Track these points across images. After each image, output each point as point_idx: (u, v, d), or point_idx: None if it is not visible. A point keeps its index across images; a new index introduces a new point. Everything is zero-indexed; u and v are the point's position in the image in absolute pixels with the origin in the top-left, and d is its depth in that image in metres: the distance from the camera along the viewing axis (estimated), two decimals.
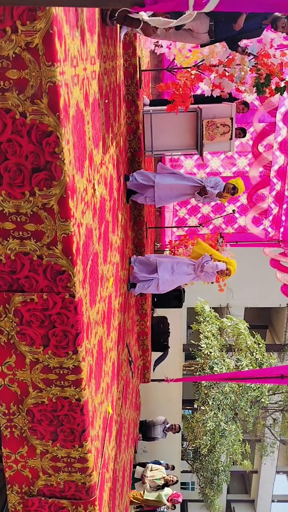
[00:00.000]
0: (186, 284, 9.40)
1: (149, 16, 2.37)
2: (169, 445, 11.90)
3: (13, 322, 2.44)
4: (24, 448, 2.77)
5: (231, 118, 5.76)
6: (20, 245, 2.26)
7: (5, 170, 2.06)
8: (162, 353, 8.84)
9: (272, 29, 4.04)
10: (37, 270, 2.32)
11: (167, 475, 8.65)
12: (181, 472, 14.41)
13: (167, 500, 8.59)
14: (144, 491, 8.48)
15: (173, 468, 9.83)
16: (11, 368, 2.57)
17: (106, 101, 3.41)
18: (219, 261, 5.48)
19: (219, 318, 12.80)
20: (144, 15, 2.33)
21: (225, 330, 12.58)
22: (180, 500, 9.11)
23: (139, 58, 5.12)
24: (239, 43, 4.19)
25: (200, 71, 5.04)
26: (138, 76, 5.09)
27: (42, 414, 2.67)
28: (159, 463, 9.88)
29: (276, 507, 20.02)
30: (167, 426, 9.68)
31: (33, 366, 2.56)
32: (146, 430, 9.53)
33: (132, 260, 5.74)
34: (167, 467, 9.83)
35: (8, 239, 2.25)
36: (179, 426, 9.82)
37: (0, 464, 2.99)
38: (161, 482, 8.41)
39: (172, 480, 8.47)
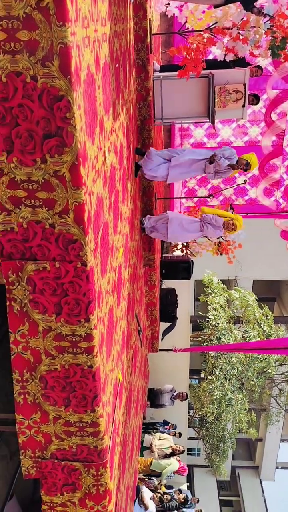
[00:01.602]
0: (194, 256, 9.42)
1: None
2: (176, 412, 12.17)
3: (26, 291, 2.46)
4: (37, 414, 2.83)
5: (245, 84, 5.59)
6: (32, 213, 2.25)
7: (16, 136, 2.03)
8: (170, 323, 8.94)
9: None
10: (49, 239, 2.32)
11: (175, 445, 8.91)
12: (188, 438, 14.80)
13: (174, 472, 8.90)
14: (152, 460, 8.75)
15: (179, 435, 10.12)
16: (24, 336, 2.60)
17: (117, 65, 3.31)
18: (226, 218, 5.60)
19: (227, 290, 12.83)
20: None
21: (233, 302, 12.63)
22: (186, 473, 9.43)
23: (149, 21, 4.95)
24: (254, 3, 4.00)
25: (213, 34, 4.85)
26: (148, 40, 4.93)
27: (55, 380, 2.71)
28: (167, 424, 10.17)
29: (280, 473, 20.62)
30: (175, 394, 9.89)
31: (46, 333, 2.59)
32: (154, 398, 9.76)
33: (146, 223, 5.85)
34: (174, 427, 10.12)
35: (20, 207, 2.23)
36: (187, 394, 10.03)
37: (13, 429, 3.07)
38: (169, 451, 8.68)
39: (179, 450, 8.73)
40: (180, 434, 10.06)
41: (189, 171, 5.67)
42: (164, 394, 9.83)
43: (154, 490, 8.70)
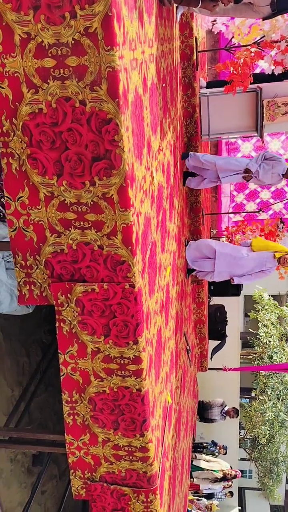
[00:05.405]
0: None
1: None
2: (227, 432, 11.81)
3: (75, 312, 2.46)
4: (86, 435, 2.81)
5: None
6: (81, 235, 2.25)
7: (66, 160, 2.05)
8: (220, 341, 8.72)
9: None
10: (98, 260, 2.31)
11: (226, 469, 8.59)
12: (239, 460, 14.30)
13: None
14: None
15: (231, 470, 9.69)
16: (73, 357, 2.60)
17: (163, 85, 3.31)
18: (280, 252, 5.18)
19: (279, 306, 12.41)
20: None
21: (285, 319, 12.19)
22: (238, 475, 8.95)
23: (196, 39, 4.95)
24: None
25: (261, 48, 4.79)
26: (195, 57, 4.92)
27: (104, 403, 2.68)
28: (216, 444, 9.83)
29: None
30: (225, 408, 9.51)
31: (95, 355, 2.57)
32: (203, 411, 9.45)
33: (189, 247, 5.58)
34: (224, 448, 9.75)
35: (70, 229, 2.25)
36: (237, 410, 9.61)
37: (61, 450, 3.06)
38: (220, 475, 8.38)
39: (230, 474, 8.40)
40: (231, 468, 9.55)
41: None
42: (214, 408, 9.50)
43: (204, 511, 8.43)
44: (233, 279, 5.35)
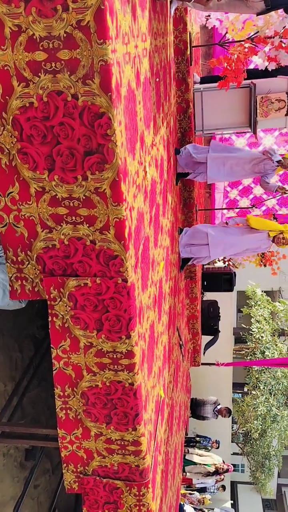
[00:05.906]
0: (236, 267, 9.23)
1: None
2: (219, 427, 11.88)
3: (68, 306, 2.46)
4: (79, 429, 2.82)
5: (287, 93, 5.46)
6: (73, 230, 2.25)
7: (57, 154, 2.04)
8: (213, 337, 8.76)
9: None
10: (90, 255, 2.31)
11: (218, 463, 8.67)
12: (231, 454, 14.39)
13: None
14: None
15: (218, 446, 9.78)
16: (66, 352, 2.60)
17: (157, 79, 3.31)
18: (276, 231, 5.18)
19: (271, 302, 12.47)
20: None
21: (277, 314, 12.26)
22: (231, 469, 9.05)
23: (189, 33, 4.94)
24: None
25: (254, 43, 4.78)
26: (188, 52, 4.91)
27: (96, 397, 2.69)
28: (209, 439, 9.90)
29: None
30: (218, 407, 9.59)
31: (87, 350, 2.57)
32: (195, 408, 9.51)
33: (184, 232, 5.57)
34: (217, 442, 9.84)
35: (62, 224, 2.24)
36: (230, 410, 9.69)
37: (54, 444, 3.06)
38: (212, 469, 8.45)
39: (223, 468, 8.47)
40: (218, 445, 9.70)
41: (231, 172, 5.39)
42: (206, 405, 9.56)
43: (197, 505, 8.50)
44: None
